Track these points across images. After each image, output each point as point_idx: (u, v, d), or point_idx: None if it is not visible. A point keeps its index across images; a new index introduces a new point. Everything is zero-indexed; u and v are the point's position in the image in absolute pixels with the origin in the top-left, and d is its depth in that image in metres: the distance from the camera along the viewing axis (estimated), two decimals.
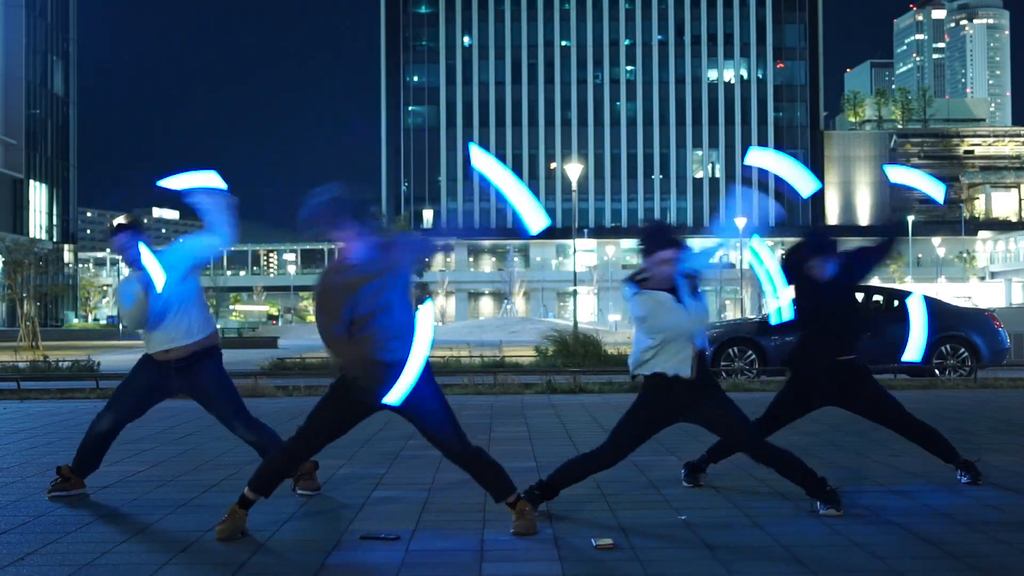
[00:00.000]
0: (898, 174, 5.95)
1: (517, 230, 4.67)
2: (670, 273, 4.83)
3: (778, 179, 5.45)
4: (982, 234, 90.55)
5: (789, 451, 5.13)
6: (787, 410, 5.80)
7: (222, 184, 5.53)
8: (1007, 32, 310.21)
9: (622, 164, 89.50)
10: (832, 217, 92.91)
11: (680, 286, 4.87)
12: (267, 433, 5.60)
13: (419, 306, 4.58)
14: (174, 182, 5.54)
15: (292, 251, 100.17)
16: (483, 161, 4.44)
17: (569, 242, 79.47)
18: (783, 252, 5.72)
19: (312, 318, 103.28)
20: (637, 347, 4.98)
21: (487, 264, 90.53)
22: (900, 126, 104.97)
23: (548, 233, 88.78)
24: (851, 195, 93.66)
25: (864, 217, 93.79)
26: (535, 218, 4.38)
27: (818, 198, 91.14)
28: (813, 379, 5.66)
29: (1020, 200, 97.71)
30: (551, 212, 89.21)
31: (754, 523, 4.85)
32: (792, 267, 5.56)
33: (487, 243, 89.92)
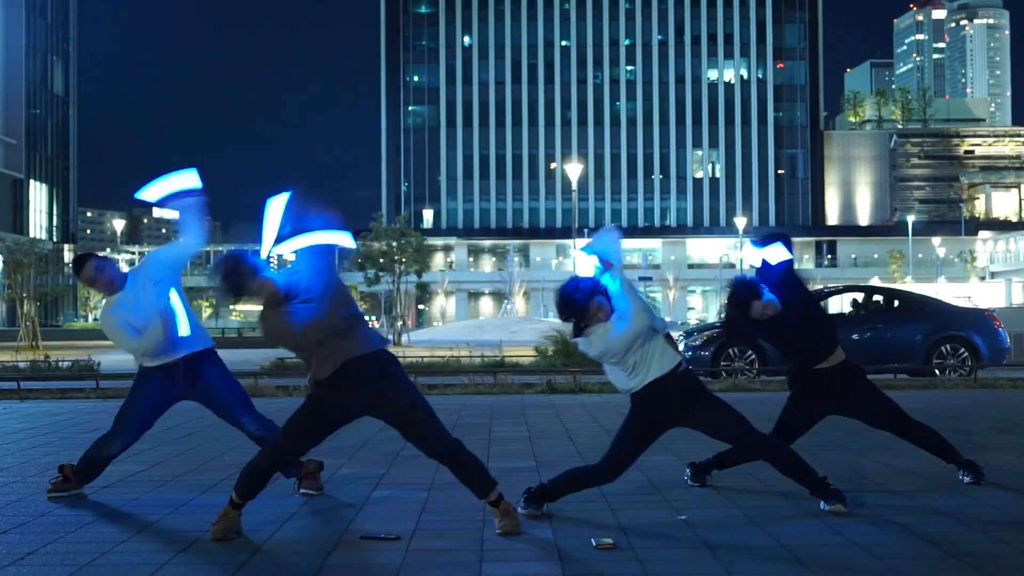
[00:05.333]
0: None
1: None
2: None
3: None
4: (982, 234, 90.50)
5: (794, 451, 5.15)
6: (794, 423, 5.77)
7: (196, 182, 5.51)
8: (1007, 32, 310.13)
9: (622, 164, 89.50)
10: (832, 217, 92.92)
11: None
12: (273, 429, 5.59)
13: None
14: (151, 192, 5.52)
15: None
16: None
17: (569, 242, 79.44)
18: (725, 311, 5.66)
19: None
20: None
21: (487, 264, 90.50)
22: (900, 126, 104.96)
23: (548, 233, 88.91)
24: (851, 195, 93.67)
25: (864, 217, 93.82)
26: None
27: (818, 198, 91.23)
28: (809, 391, 5.65)
29: (1020, 200, 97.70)
30: (551, 212, 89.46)
31: (754, 523, 4.85)
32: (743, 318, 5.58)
33: (487, 243, 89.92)
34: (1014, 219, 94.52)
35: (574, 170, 41.72)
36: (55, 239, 73.97)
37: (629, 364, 4.95)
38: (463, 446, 4.74)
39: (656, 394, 4.97)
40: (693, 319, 78.51)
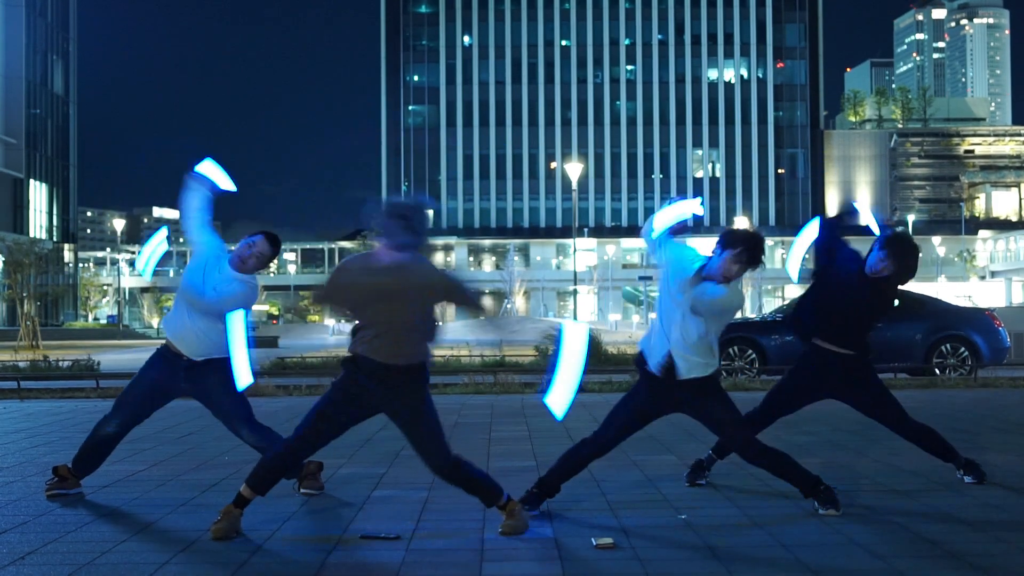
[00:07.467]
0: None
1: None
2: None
3: None
4: (982, 233, 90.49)
5: (783, 451, 5.13)
6: (785, 401, 5.75)
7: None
8: (1007, 32, 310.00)
9: (622, 164, 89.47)
10: None
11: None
12: (272, 438, 5.58)
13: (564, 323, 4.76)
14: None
15: (292, 251, 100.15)
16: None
17: (569, 242, 79.45)
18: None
19: (314, 318, 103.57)
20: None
21: (487, 264, 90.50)
22: (900, 125, 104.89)
23: (548, 233, 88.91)
24: (851, 195, 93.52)
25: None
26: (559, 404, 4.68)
27: (818, 198, 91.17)
28: (815, 370, 5.62)
29: (1020, 199, 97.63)
30: (551, 212, 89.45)
31: (754, 523, 4.85)
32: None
33: (487, 243, 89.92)
34: (1014, 219, 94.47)
35: (574, 170, 41.72)
36: (55, 239, 73.96)
37: (709, 346, 4.97)
38: (462, 464, 4.66)
39: (674, 388, 5.01)
40: None
